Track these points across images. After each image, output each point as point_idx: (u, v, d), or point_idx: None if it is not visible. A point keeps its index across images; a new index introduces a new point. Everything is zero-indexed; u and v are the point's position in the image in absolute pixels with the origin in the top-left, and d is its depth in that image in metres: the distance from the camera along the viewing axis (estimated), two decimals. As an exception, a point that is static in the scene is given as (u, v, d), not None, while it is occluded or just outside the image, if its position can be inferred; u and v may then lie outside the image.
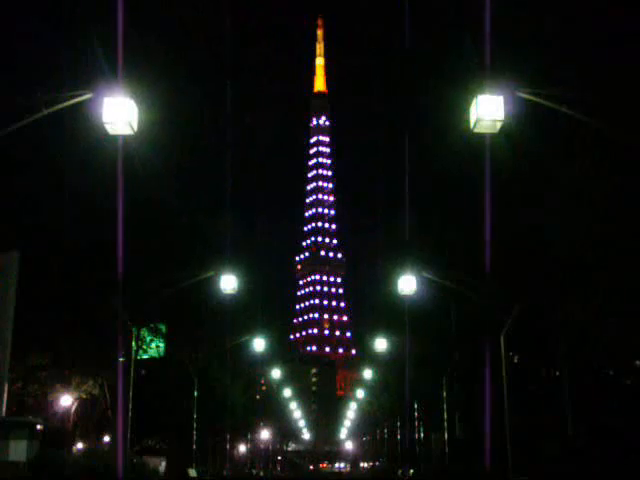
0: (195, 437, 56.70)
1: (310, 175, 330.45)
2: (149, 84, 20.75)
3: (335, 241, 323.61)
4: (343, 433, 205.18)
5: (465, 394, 50.24)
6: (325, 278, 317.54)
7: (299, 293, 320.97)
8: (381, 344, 61.17)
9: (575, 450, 35.42)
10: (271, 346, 74.57)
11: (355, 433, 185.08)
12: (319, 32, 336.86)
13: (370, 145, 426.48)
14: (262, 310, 75.44)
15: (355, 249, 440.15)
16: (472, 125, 18.89)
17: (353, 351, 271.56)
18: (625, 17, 29.21)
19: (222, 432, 70.33)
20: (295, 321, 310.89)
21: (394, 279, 39.39)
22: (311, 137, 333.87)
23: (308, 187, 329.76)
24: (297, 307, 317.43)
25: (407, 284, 37.05)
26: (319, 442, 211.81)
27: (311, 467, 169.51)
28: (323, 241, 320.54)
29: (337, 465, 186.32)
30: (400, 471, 71.63)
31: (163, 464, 60.34)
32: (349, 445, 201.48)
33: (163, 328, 52.05)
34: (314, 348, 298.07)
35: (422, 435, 68.15)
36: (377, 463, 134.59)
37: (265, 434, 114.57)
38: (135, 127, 19.25)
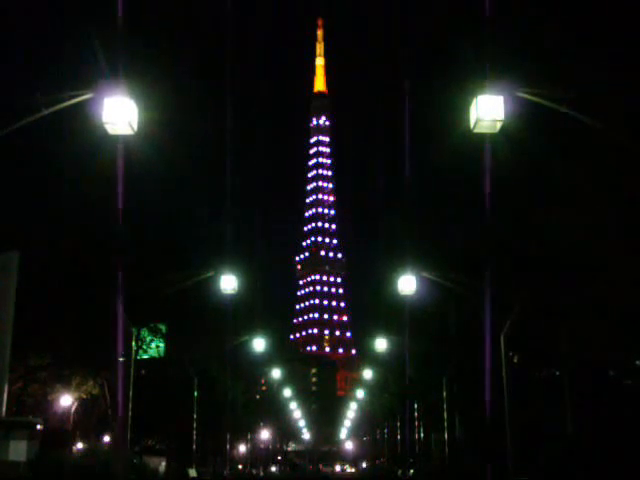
0: (195, 437, 56.71)
1: (310, 175, 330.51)
2: (149, 84, 20.72)
3: (335, 241, 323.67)
4: (343, 433, 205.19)
5: (465, 394, 50.23)
6: (325, 278, 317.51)
7: (299, 293, 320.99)
8: (381, 344, 61.20)
9: (575, 450, 35.41)
10: (271, 346, 74.54)
11: (355, 433, 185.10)
12: (319, 32, 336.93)
13: (370, 145, 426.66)
14: (262, 310, 75.51)
15: (355, 249, 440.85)
16: (472, 125, 18.89)
17: (353, 351, 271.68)
18: (625, 16, 29.20)
19: (222, 432, 70.33)
20: (295, 321, 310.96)
21: (394, 279, 39.41)
22: (311, 137, 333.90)
23: (308, 187, 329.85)
24: (297, 307, 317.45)
25: (407, 284, 37.08)
26: (319, 442, 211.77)
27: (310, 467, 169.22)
28: (323, 241, 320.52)
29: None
30: (400, 471, 71.69)
31: (163, 464, 60.33)
32: (349, 445, 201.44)
33: (163, 328, 52.02)
34: (314, 348, 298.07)
35: (422, 435, 68.17)
36: (363, 463, 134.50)
37: (265, 434, 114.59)
38: (135, 127, 19.24)
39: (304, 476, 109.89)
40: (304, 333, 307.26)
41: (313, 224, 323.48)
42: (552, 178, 31.08)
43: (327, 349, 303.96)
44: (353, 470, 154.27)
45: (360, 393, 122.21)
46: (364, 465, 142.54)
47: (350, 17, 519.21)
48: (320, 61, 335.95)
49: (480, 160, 24.23)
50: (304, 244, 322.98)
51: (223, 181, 64.14)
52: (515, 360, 42.14)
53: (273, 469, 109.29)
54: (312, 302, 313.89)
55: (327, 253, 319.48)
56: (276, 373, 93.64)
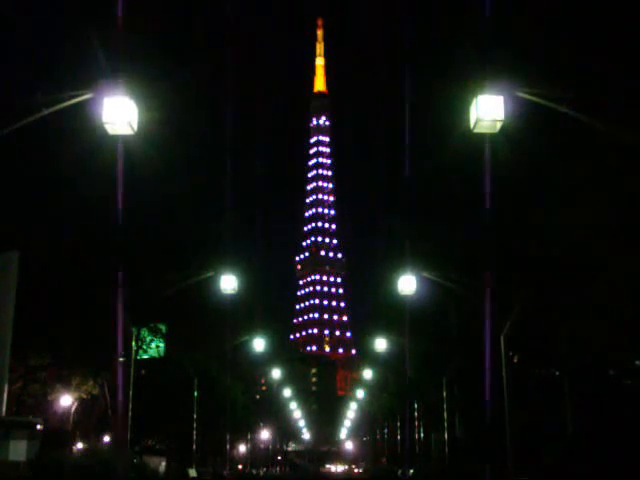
0: (195, 437, 56.71)
1: (310, 175, 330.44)
2: (149, 84, 20.72)
3: (335, 241, 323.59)
4: (343, 433, 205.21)
5: (465, 394, 50.22)
6: (325, 278, 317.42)
7: (299, 293, 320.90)
8: (381, 344, 61.24)
9: (575, 450, 35.40)
10: (271, 346, 74.57)
11: (355, 433, 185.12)
12: (319, 32, 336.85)
13: (370, 145, 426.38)
14: (262, 310, 75.54)
15: (355, 249, 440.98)
16: (472, 125, 18.88)
17: (353, 351, 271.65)
18: (625, 16, 29.20)
19: (222, 432, 70.31)
20: (295, 321, 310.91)
21: (394, 279, 39.44)
22: (311, 137, 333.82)
23: (308, 187, 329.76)
24: (297, 307, 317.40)
25: (407, 284, 37.09)
26: (319, 442, 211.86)
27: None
28: (323, 241, 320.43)
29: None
30: (400, 471, 71.65)
31: (163, 464, 60.34)
32: (349, 445, 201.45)
33: (163, 328, 52.02)
34: (314, 348, 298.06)
35: (422, 435, 68.15)
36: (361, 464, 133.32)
37: (265, 434, 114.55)
38: (135, 127, 19.24)
39: (305, 476, 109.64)
40: (304, 333, 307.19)
41: (313, 224, 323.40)
42: (552, 178, 31.07)
43: (327, 349, 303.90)
44: (360, 470, 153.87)
45: (360, 393, 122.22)
46: (362, 465, 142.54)
47: (350, 17, 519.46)
48: (320, 61, 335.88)
49: (480, 160, 24.23)
50: (304, 244, 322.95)
51: (223, 181, 64.06)
52: (515, 360, 42.14)
53: (254, 472, 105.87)
54: (312, 302, 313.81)
55: (327, 253, 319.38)
56: (276, 373, 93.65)
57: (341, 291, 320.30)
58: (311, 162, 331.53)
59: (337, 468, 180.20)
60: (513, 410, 33.72)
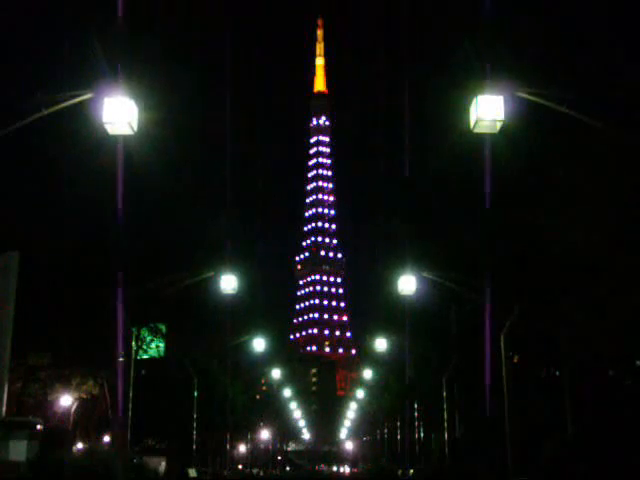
0: (195, 437, 56.73)
1: (310, 175, 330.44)
2: (149, 84, 20.72)
3: (335, 241, 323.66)
4: (343, 433, 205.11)
5: (465, 394, 50.21)
6: (325, 278, 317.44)
7: (299, 293, 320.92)
8: (381, 344, 61.25)
9: (575, 450, 35.38)
10: (271, 346, 74.56)
11: (355, 433, 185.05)
12: (319, 32, 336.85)
13: (370, 145, 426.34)
14: (262, 310, 75.54)
15: (355, 249, 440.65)
16: (472, 125, 18.87)
17: (353, 351, 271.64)
18: (625, 16, 29.22)
19: (222, 432, 70.31)
20: (295, 321, 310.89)
21: (394, 279, 39.42)
22: (311, 137, 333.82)
23: (308, 187, 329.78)
24: (297, 307, 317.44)
25: (407, 284, 37.06)
26: (319, 442, 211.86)
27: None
28: (323, 241, 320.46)
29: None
30: (400, 471, 71.70)
31: (163, 464, 60.34)
32: (349, 445, 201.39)
33: (163, 328, 52.06)
34: (314, 348, 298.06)
35: (422, 435, 68.12)
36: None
37: (265, 434, 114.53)
38: (135, 127, 19.23)
39: (305, 476, 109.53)
40: (304, 333, 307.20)
41: (313, 224, 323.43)
42: (552, 178, 31.07)
43: (327, 349, 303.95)
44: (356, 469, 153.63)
45: (360, 393, 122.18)
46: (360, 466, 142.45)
47: (350, 17, 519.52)
48: (320, 61, 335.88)
49: (480, 160, 24.23)
50: (304, 244, 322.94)
51: (223, 181, 64.10)
52: (515, 360, 42.12)
53: (255, 471, 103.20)
54: (312, 302, 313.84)
55: (327, 253, 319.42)
56: (276, 373, 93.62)
57: (341, 291, 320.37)
58: (311, 162, 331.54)
59: (334, 468, 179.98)
60: (513, 410, 33.72)
